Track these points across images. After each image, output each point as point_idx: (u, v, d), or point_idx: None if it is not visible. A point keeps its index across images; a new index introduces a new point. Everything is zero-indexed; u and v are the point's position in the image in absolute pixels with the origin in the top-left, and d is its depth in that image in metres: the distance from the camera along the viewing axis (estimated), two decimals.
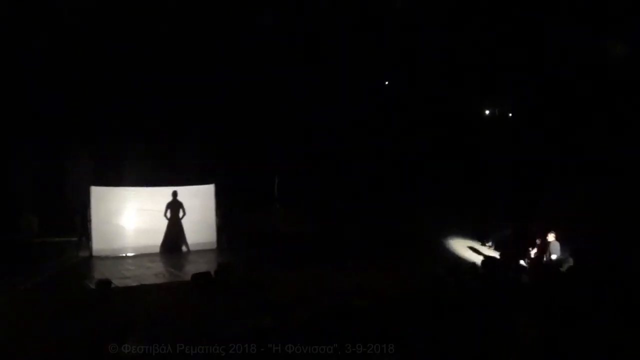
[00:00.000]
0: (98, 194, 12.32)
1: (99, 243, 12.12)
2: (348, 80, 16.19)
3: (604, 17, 12.33)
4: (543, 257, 11.21)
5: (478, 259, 11.76)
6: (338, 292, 6.85)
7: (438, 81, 15.98)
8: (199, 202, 13.24)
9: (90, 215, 12.09)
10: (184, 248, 12.91)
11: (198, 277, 9.54)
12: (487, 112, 17.17)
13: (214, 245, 13.27)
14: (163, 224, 12.76)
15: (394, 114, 16.97)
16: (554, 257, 10.93)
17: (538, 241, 11.51)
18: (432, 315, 5.58)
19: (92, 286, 9.31)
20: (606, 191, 12.26)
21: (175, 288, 9.56)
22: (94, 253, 12.03)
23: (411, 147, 16.62)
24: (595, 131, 13.13)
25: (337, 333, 4.82)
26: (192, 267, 11.00)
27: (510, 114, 16.95)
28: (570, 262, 10.81)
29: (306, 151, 16.76)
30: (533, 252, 11.58)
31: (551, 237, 11.09)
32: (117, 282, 9.60)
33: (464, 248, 13.87)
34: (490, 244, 14.14)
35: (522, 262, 11.65)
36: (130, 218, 12.62)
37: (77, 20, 13.07)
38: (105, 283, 9.10)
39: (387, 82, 17.90)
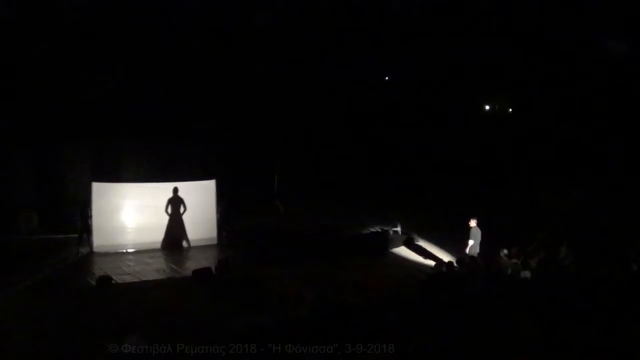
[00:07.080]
0: (99, 189, 12.29)
1: (100, 239, 12.13)
2: (348, 77, 16.16)
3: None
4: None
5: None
6: (335, 289, 6.88)
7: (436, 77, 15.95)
8: (199, 198, 13.22)
9: (91, 211, 12.11)
10: (184, 244, 12.93)
11: (198, 273, 9.61)
12: (487, 107, 17.13)
13: (215, 241, 13.27)
14: (164, 219, 12.76)
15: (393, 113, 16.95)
16: (470, 242, 11.03)
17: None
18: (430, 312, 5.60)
19: (93, 283, 9.36)
20: (605, 188, 12.26)
21: (175, 284, 9.61)
22: (95, 249, 12.04)
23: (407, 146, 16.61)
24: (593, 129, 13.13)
25: (335, 330, 4.84)
26: (193, 263, 11.04)
27: (510, 109, 16.90)
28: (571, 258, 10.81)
29: (306, 149, 16.77)
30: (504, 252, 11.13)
31: (473, 223, 11.15)
32: (117, 278, 9.64)
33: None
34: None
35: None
36: (131, 214, 12.61)
37: (78, 18, 13.06)
38: (106, 279, 9.16)
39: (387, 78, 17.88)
